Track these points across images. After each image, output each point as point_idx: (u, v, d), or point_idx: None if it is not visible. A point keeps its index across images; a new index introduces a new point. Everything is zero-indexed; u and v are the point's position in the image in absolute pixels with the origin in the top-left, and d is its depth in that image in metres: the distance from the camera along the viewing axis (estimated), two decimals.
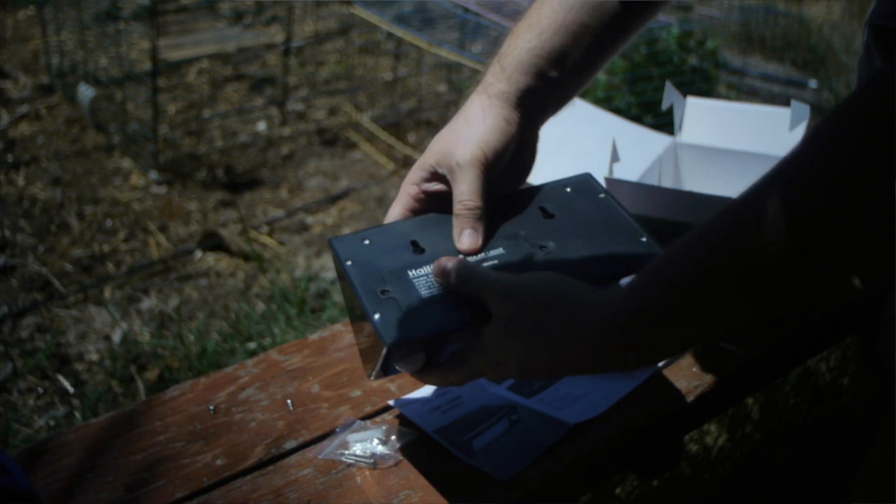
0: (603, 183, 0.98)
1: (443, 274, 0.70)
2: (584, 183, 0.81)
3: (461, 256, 0.73)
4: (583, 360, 0.64)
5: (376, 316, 0.69)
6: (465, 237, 0.75)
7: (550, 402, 0.84)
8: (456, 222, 0.75)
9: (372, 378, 0.74)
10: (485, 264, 0.73)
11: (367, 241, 0.75)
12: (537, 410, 0.83)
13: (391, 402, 0.85)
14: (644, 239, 0.75)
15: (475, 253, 0.75)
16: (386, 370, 0.71)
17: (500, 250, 0.75)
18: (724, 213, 0.58)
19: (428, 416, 0.82)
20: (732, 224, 0.57)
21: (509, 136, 0.77)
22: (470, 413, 0.82)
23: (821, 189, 0.51)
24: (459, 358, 0.70)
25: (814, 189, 0.51)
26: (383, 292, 0.71)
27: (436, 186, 0.78)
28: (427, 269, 0.72)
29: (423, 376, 0.73)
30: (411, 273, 0.72)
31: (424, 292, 0.71)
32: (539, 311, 0.65)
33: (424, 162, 0.78)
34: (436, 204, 0.79)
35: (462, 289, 0.69)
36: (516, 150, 0.78)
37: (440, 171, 0.77)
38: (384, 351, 0.68)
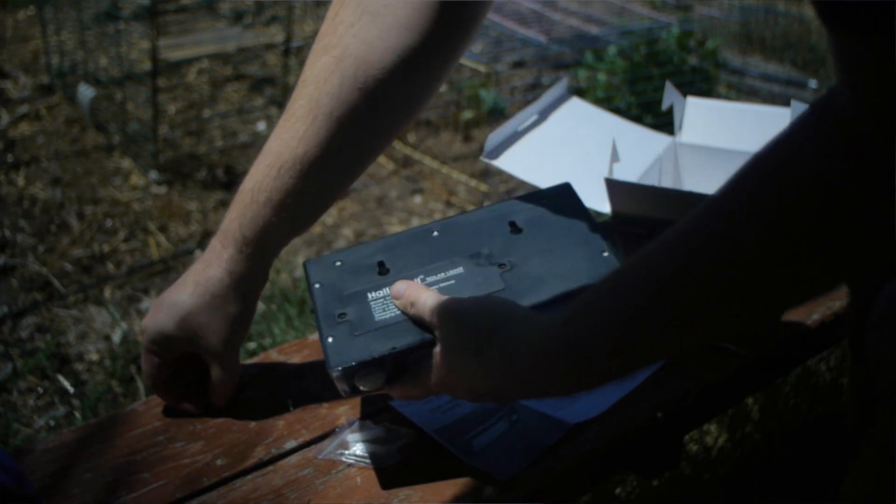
0: (603, 183, 0.98)
1: (396, 297, 0.73)
2: (561, 194, 0.82)
3: (418, 279, 0.75)
4: (524, 385, 0.65)
5: (329, 339, 0.72)
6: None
7: (550, 402, 0.84)
8: (216, 397, 0.83)
9: (343, 396, 0.75)
10: (442, 285, 0.74)
11: (338, 263, 0.79)
12: (537, 410, 0.83)
13: (391, 402, 0.85)
14: (605, 254, 0.75)
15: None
16: (354, 390, 0.73)
17: (459, 269, 0.76)
18: (679, 229, 0.56)
19: (428, 416, 0.82)
20: (692, 237, 0.55)
21: (255, 309, 0.83)
22: (470, 413, 0.82)
23: (801, 183, 0.49)
24: (416, 377, 0.71)
25: (794, 181, 0.49)
26: (340, 315, 0.74)
27: (178, 352, 0.82)
28: (387, 290, 0.74)
29: (388, 391, 0.74)
30: (371, 295, 0.75)
31: (379, 315, 0.73)
32: (479, 337, 0.65)
33: (171, 335, 0.79)
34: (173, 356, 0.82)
35: (410, 312, 0.71)
36: None
37: (188, 347, 0.81)
38: (331, 374, 0.70)
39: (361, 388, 0.72)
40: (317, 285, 0.77)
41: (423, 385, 0.71)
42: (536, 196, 0.82)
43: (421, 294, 0.71)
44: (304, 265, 0.80)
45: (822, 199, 0.48)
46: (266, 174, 0.80)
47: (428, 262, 0.77)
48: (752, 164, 0.53)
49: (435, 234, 0.80)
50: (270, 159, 0.80)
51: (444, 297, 0.69)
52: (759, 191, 0.51)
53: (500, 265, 0.75)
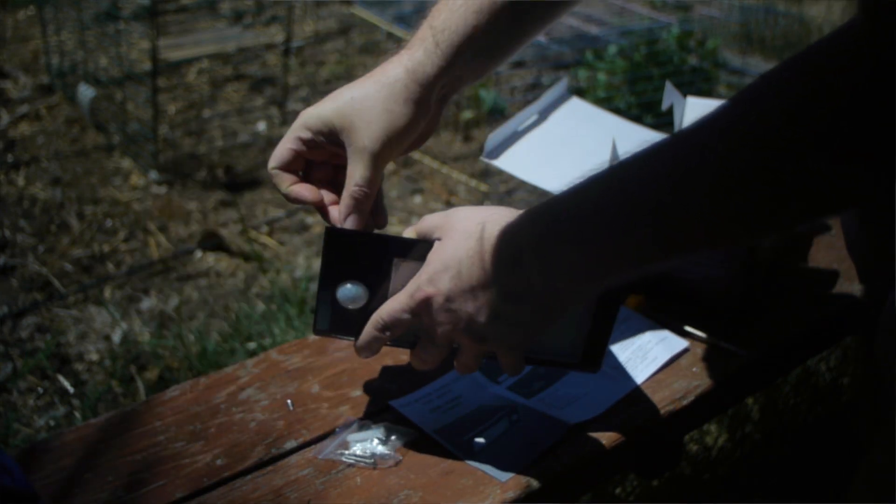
0: None
1: (411, 231, 0.74)
2: None
3: None
4: (491, 260, 0.64)
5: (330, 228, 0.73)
6: (351, 220, 0.75)
7: (550, 402, 0.84)
8: (345, 201, 0.76)
9: (315, 329, 0.75)
10: None
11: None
12: (537, 410, 0.83)
13: (391, 402, 0.85)
14: None
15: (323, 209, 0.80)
16: (331, 311, 0.73)
17: None
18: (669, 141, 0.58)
19: (428, 416, 0.82)
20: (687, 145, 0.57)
21: (420, 126, 0.77)
22: (470, 413, 0.83)
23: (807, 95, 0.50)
24: (401, 291, 0.71)
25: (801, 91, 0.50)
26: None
27: (326, 144, 0.77)
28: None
29: (358, 335, 0.73)
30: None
31: (390, 235, 0.74)
32: (470, 218, 0.67)
33: (327, 118, 0.75)
34: (318, 154, 0.79)
35: (417, 227, 0.73)
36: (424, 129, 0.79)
37: (340, 138, 0.75)
38: (325, 238, 0.71)
39: (343, 303, 0.72)
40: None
41: (407, 294, 0.69)
42: None
43: (429, 215, 0.72)
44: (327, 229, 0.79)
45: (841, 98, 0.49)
46: None
47: None
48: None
49: None
50: None
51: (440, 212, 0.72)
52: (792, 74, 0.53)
53: None
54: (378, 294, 0.73)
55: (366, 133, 0.73)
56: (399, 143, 0.75)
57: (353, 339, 0.74)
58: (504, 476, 0.75)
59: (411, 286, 0.69)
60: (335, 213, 0.78)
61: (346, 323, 0.74)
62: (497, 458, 0.77)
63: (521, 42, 0.81)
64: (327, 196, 0.79)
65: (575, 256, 0.61)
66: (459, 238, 0.67)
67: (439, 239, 0.69)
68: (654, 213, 0.57)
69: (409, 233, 0.74)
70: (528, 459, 0.77)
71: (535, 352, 0.75)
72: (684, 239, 0.58)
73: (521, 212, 0.66)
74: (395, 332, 0.72)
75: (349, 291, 0.72)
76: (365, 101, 0.74)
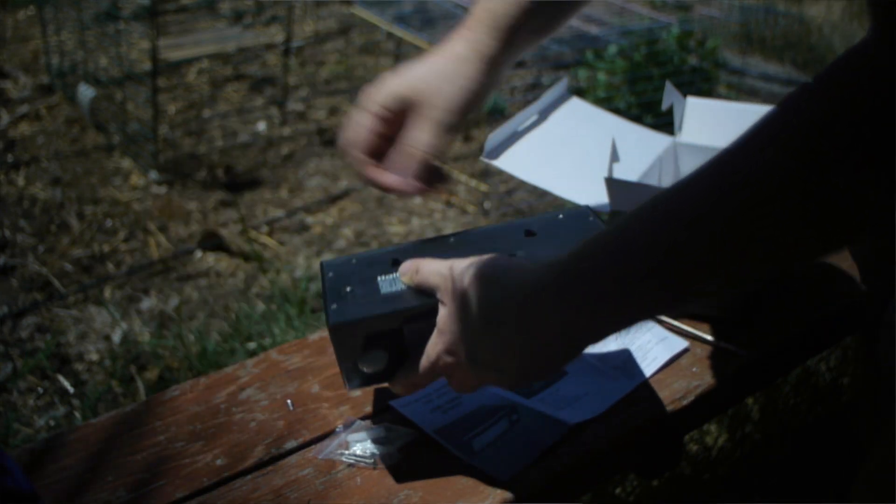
0: (603, 183, 0.98)
1: (402, 272, 0.73)
2: (578, 212, 0.82)
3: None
4: (522, 338, 0.63)
5: (333, 306, 0.72)
6: (397, 178, 0.78)
7: (550, 402, 0.84)
8: (399, 159, 0.78)
9: (348, 388, 0.75)
10: None
11: (353, 262, 0.79)
12: (537, 410, 0.83)
13: (391, 402, 0.85)
14: None
15: (400, 189, 0.79)
16: (358, 375, 0.73)
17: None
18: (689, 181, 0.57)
19: (428, 416, 0.82)
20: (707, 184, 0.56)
21: (484, 100, 0.81)
22: (470, 413, 0.82)
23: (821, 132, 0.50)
24: (417, 360, 0.71)
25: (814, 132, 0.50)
26: (348, 290, 0.74)
27: (396, 120, 0.79)
28: (395, 274, 0.75)
29: (390, 381, 0.74)
30: (380, 278, 0.75)
31: (385, 290, 0.74)
32: (480, 288, 0.65)
33: (400, 94, 0.78)
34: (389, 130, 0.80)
35: (415, 279, 0.71)
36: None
37: (409, 104, 0.78)
38: (329, 334, 0.70)
39: (365, 369, 0.72)
40: (330, 274, 0.78)
41: (425, 363, 0.70)
42: (554, 213, 0.83)
43: (426, 262, 0.71)
44: (322, 264, 0.80)
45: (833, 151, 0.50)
46: None
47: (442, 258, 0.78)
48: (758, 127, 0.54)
49: (451, 240, 0.81)
50: None
51: (445, 261, 0.69)
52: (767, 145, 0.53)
53: (511, 255, 0.76)
54: (396, 354, 0.73)
55: (440, 104, 0.77)
56: (466, 115, 0.79)
57: (386, 383, 0.76)
58: (504, 476, 0.75)
59: (432, 355, 0.69)
60: (402, 184, 0.79)
61: (375, 377, 0.75)
62: (497, 458, 0.77)
63: (567, 19, 0.87)
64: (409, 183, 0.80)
65: (585, 324, 0.61)
66: (465, 308, 0.65)
67: (442, 303, 0.68)
68: (658, 274, 0.57)
69: (405, 277, 0.73)
70: (529, 459, 0.77)
71: None
72: (699, 281, 0.58)
73: (519, 271, 0.65)
74: (424, 387, 0.75)
75: (369, 362, 0.73)
76: (438, 76, 0.77)
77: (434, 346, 0.69)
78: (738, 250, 0.55)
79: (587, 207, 0.83)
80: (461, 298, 0.66)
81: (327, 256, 2.45)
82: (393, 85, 0.78)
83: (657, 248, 0.56)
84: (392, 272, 0.76)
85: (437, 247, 0.79)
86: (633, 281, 0.58)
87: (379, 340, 0.71)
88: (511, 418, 0.82)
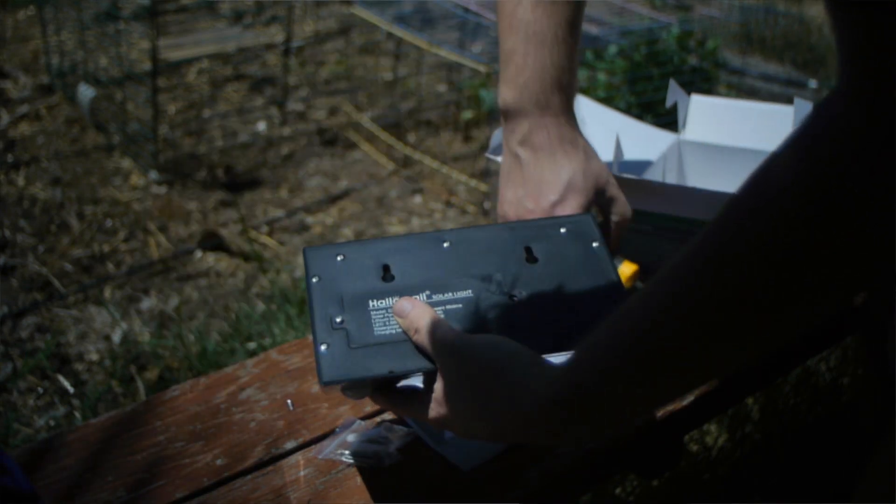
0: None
1: (399, 315, 0.69)
2: (581, 226, 0.78)
3: (424, 295, 0.72)
4: (524, 433, 0.62)
5: (322, 347, 0.68)
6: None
7: None
8: (616, 232, 0.89)
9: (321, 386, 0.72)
10: (448, 306, 0.71)
11: (340, 258, 0.74)
12: None
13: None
14: (617, 298, 0.72)
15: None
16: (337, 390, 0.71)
17: (468, 293, 0.72)
18: (673, 265, 0.54)
19: None
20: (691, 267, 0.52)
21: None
22: None
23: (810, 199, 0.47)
24: (408, 401, 0.68)
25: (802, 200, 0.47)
26: (338, 322, 0.69)
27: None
28: (390, 301, 0.71)
29: (373, 399, 0.72)
30: (372, 304, 0.71)
31: (379, 329, 0.69)
32: (482, 379, 0.63)
33: (585, 192, 0.85)
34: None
35: (414, 338, 0.68)
36: None
37: (596, 198, 0.87)
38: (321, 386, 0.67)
39: (348, 395, 0.70)
40: (314, 279, 0.72)
41: (409, 407, 0.68)
42: (557, 223, 0.79)
43: (426, 321, 0.67)
44: (304, 251, 0.75)
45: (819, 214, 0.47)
46: (545, 21, 0.86)
47: (436, 275, 0.73)
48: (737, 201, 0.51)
49: (446, 244, 0.76)
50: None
51: (451, 332, 0.66)
52: (749, 222, 0.50)
53: (511, 296, 0.72)
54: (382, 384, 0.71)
55: (608, 176, 0.89)
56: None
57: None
58: (467, 466, 0.76)
59: (426, 415, 0.67)
60: None
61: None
62: (464, 448, 0.78)
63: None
64: None
65: (583, 431, 0.60)
66: (466, 396, 0.64)
67: (441, 375, 0.66)
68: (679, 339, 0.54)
69: (401, 322, 0.69)
70: (496, 451, 0.78)
71: None
72: (719, 360, 0.55)
73: (522, 357, 0.63)
74: None
75: (353, 393, 0.70)
76: (588, 161, 0.87)
77: (430, 412, 0.66)
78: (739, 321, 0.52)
79: (590, 217, 0.80)
80: (461, 386, 0.64)
81: None
82: (580, 194, 0.86)
83: (664, 332, 0.54)
84: (384, 295, 0.71)
85: (431, 248, 0.75)
86: (636, 385, 0.56)
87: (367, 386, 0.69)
88: None
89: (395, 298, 0.71)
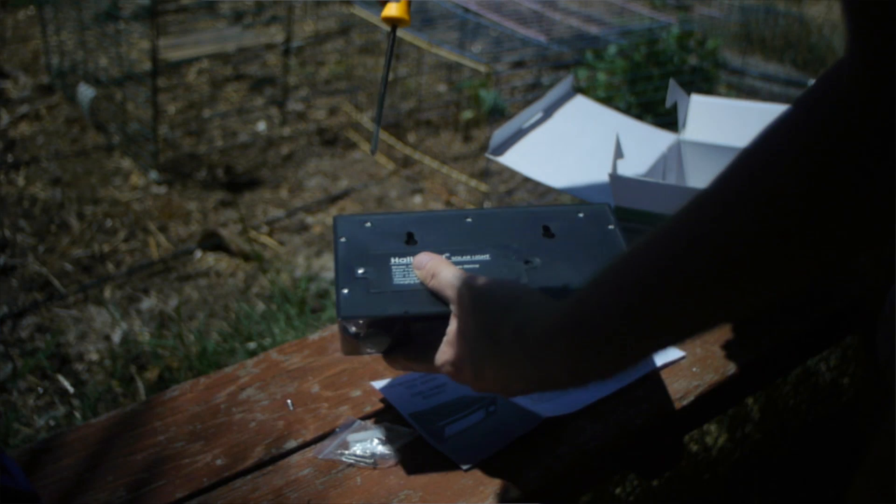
0: (607, 179, 0.98)
1: (418, 267, 0.74)
2: (599, 211, 0.82)
3: (444, 256, 0.75)
4: (532, 368, 0.63)
5: (344, 291, 0.72)
6: None
7: (531, 397, 0.84)
8: None
9: (343, 353, 0.77)
10: (465, 266, 0.75)
11: (367, 224, 0.79)
12: (516, 404, 0.83)
13: (374, 384, 0.86)
14: None
15: None
16: (356, 348, 0.74)
17: (486, 256, 0.76)
18: (686, 210, 0.56)
19: (408, 400, 0.83)
20: (705, 211, 0.55)
21: None
22: (450, 401, 0.83)
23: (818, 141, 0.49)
24: (421, 351, 0.72)
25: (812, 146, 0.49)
26: (360, 273, 0.74)
27: None
28: (410, 259, 0.75)
29: (388, 358, 0.75)
30: (393, 260, 0.75)
31: (398, 280, 0.73)
32: (492, 311, 0.65)
33: None
34: None
35: (430, 283, 0.72)
36: None
37: None
38: (338, 323, 0.71)
39: (367, 350, 0.73)
40: (342, 239, 0.77)
41: (427, 360, 0.71)
42: (575, 209, 0.82)
43: (443, 268, 0.71)
44: (334, 219, 0.80)
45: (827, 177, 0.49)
46: None
47: (457, 243, 0.78)
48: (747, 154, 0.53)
49: (468, 220, 0.80)
50: None
51: (465, 273, 0.70)
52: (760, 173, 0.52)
53: (527, 262, 0.75)
54: (401, 338, 0.73)
55: None
56: None
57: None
58: (467, 464, 0.76)
59: (438, 361, 0.70)
60: None
61: (372, 349, 0.75)
62: (465, 446, 0.78)
63: None
64: None
65: (598, 360, 0.61)
66: (479, 332, 0.66)
67: (455, 315, 0.69)
68: (673, 284, 0.56)
69: (419, 273, 0.73)
70: (495, 449, 0.78)
71: None
72: (706, 312, 0.57)
73: (535, 298, 0.65)
74: None
75: (372, 345, 0.73)
76: None
77: (441, 355, 0.70)
78: (744, 270, 0.54)
79: (607, 206, 0.83)
80: (473, 320, 0.66)
81: (327, 257, 2.45)
82: None
83: (664, 277, 0.55)
84: (406, 255, 0.75)
85: (454, 222, 0.80)
86: (639, 318, 0.57)
87: (384, 326, 0.72)
88: (488, 409, 0.82)
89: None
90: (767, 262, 0.52)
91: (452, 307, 0.69)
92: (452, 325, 0.68)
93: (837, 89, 0.49)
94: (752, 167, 0.53)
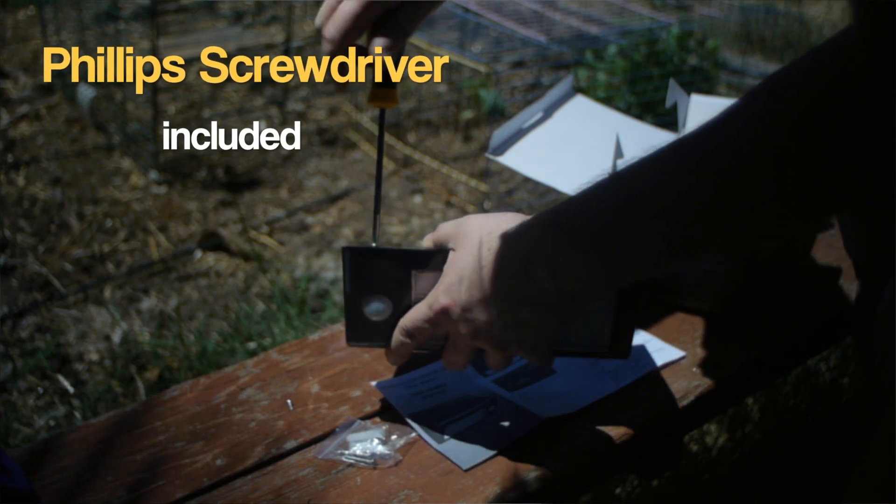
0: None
1: (428, 239, 0.78)
2: None
3: None
4: (516, 289, 0.66)
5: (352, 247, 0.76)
6: None
7: (531, 397, 0.84)
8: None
9: (348, 342, 0.80)
10: None
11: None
12: (515, 403, 0.83)
13: (374, 384, 0.86)
14: None
15: None
16: (361, 325, 0.77)
17: None
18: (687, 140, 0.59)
19: (408, 400, 0.83)
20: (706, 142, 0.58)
21: None
22: (451, 401, 0.83)
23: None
24: (423, 302, 0.74)
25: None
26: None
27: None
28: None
29: (387, 348, 0.79)
30: (405, 246, 0.80)
31: (406, 248, 0.79)
32: (482, 234, 0.69)
33: None
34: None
35: (433, 237, 0.76)
36: None
37: None
38: (344, 259, 0.75)
39: (372, 318, 0.77)
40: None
41: (423, 305, 0.74)
42: None
43: (444, 223, 0.76)
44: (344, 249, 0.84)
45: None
46: None
47: None
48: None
49: None
50: None
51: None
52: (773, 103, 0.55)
53: None
54: (402, 305, 0.77)
55: None
56: None
57: (384, 345, 0.80)
58: (466, 465, 0.76)
59: (430, 297, 0.73)
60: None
61: (375, 332, 0.79)
62: (464, 447, 0.78)
63: None
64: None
65: (583, 262, 0.63)
66: (471, 248, 0.70)
67: (453, 249, 0.73)
68: (661, 217, 0.58)
69: (427, 241, 0.77)
70: (495, 449, 0.78)
71: (562, 344, 0.78)
72: (691, 242, 0.60)
73: (529, 217, 0.69)
74: (419, 340, 0.77)
75: (373, 306, 0.77)
76: None
77: (436, 288, 0.73)
78: (717, 228, 0.57)
79: None
80: (466, 247, 0.70)
81: (327, 257, 2.45)
82: None
83: (661, 190, 0.58)
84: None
85: None
86: (634, 222, 0.60)
87: (387, 287, 0.75)
88: (489, 409, 0.82)
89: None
90: (764, 180, 0.55)
91: (451, 243, 0.73)
92: (449, 258, 0.72)
93: (843, 47, 0.52)
94: (755, 104, 0.56)
